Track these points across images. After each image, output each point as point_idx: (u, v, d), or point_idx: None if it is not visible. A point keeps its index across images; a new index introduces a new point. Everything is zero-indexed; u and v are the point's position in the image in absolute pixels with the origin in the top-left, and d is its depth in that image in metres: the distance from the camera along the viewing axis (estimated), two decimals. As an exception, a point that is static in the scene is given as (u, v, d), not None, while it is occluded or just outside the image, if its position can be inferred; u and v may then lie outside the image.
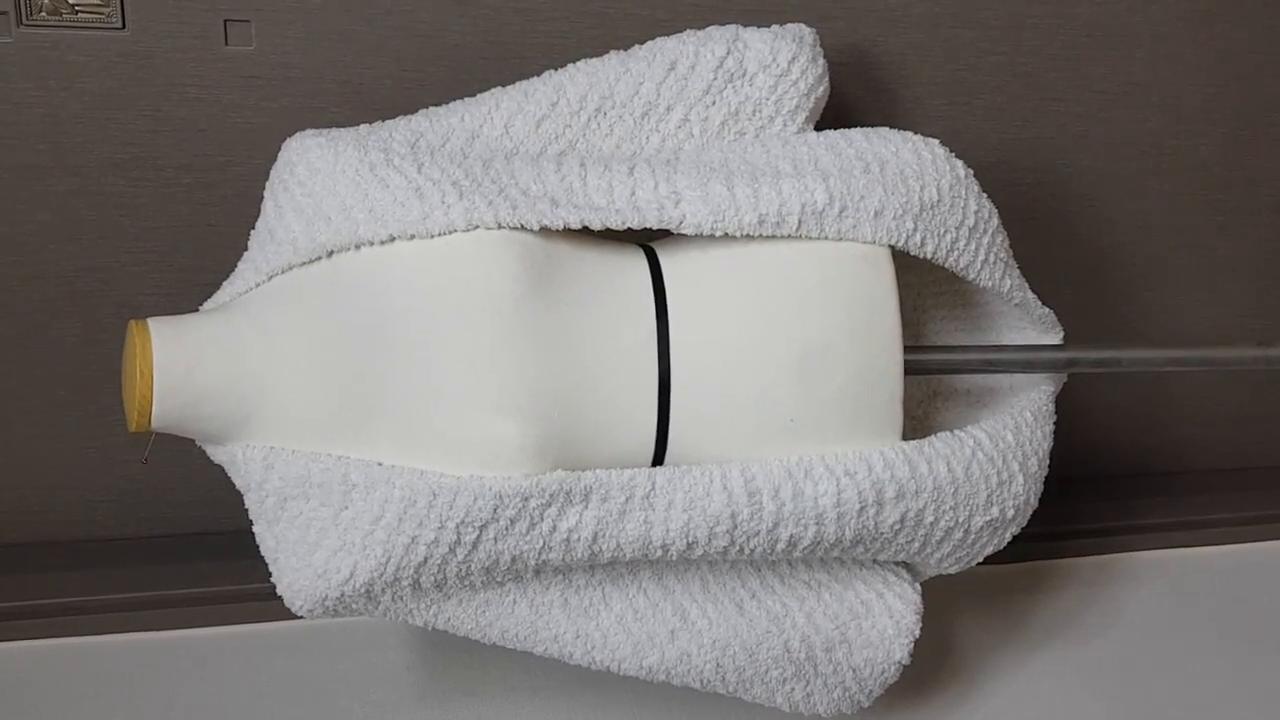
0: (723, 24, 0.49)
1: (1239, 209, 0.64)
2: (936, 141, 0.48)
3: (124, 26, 0.49)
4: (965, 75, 0.58)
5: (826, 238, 0.45)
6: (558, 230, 0.44)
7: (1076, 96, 0.60)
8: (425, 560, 0.43)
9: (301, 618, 0.45)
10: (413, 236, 0.43)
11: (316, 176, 0.44)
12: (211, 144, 0.52)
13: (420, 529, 0.42)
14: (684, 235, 0.45)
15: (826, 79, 0.49)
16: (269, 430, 0.44)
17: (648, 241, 0.47)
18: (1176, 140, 0.62)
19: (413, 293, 0.43)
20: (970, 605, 0.60)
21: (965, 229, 0.47)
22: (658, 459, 0.45)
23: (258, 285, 0.44)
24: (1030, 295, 0.51)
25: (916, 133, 0.48)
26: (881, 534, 0.46)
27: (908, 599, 0.49)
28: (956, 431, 0.47)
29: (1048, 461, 0.50)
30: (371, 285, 0.43)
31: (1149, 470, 0.69)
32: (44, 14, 0.49)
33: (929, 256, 0.46)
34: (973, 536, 0.48)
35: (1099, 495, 0.66)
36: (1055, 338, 0.52)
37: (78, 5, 0.49)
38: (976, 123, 0.59)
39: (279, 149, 0.45)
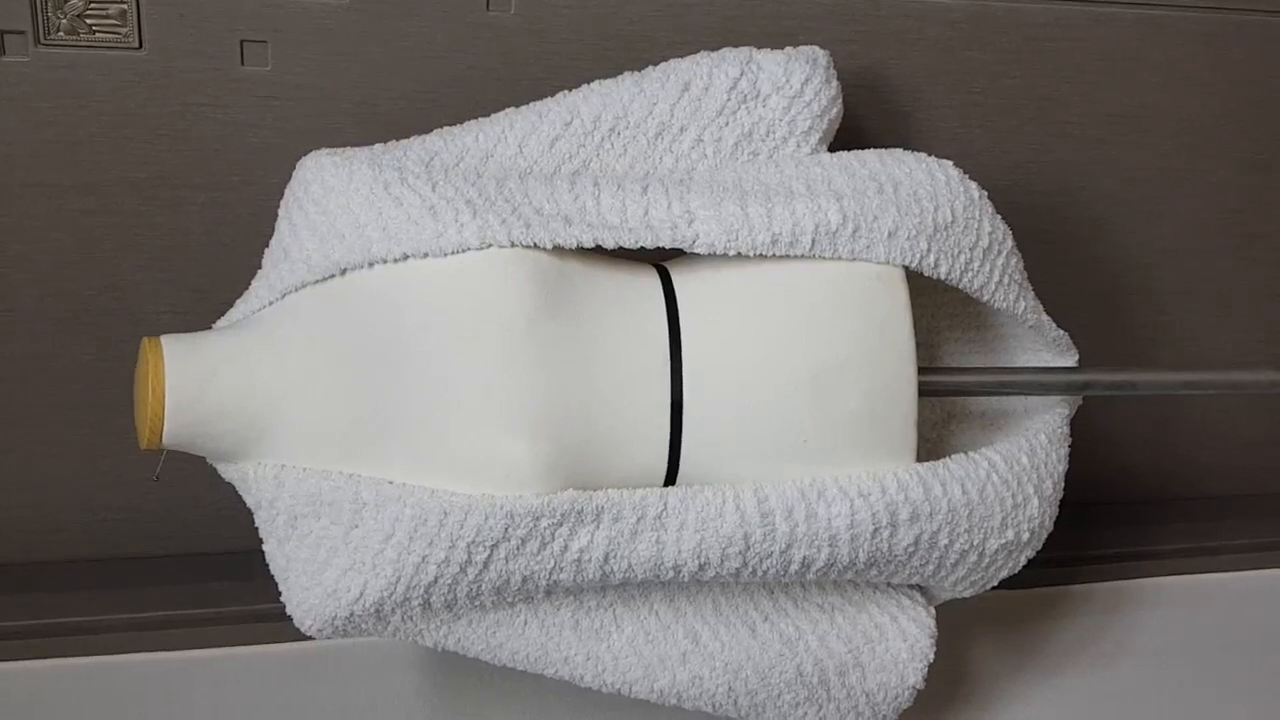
0: (736, 46, 0.49)
1: (1255, 232, 0.64)
2: (950, 163, 0.48)
3: (141, 46, 0.50)
4: (979, 98, 0.58)
5: (840, 258, 0.45)
6: (571, 249, 0.44)
7: (1090, 120, 0.60)
8: (435, 580, 0.43)
9: (311, 638, 0.45)
10: (426, 255, 0.43)
11: (331, 195, 0.44)
12: (227, 163, 0.52)
13: (431, 548, 0.42)
14: (697, 255, 0.45)
15: (840, 101, 0.49)
16: (280, 448, 0.43)
17: (661, 261, 0.47)
18: (1192, 164, 0.62)
19: (425, 310, 0.43)
20: (984, 630, 0.59)
21: (979, 250, 0.47)
22: (670, 479, 0.45)
23: (271, 303, 0.44)
24: (1045, 317, 0.50)
25: (930, 154, 0.48)
26: (895, 556, 0.45)
27: (921, 623, 0.49)
28: (971, 454, 0.47)
29: (1063, 484, 0.50)
30: (384, 303, 0.43)
31: (1164, 495, 0.68)
32: (61, 34, 0.49)
33: (943, 277, 0.46)
34: (987, 560, 0.47)
35: (1114, 520, 0.66)
36: (1070, 360, 0.52)
37: (95, 25, 0.49)
38: (990, 145, 0.59)
39: (294, 168, 0.46)
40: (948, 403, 0.54)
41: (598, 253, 0.45)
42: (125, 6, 0.49)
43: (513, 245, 0.43)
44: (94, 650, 0.54)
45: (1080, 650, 0.59)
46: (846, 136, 0.51)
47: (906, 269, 0.46)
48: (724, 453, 0.44)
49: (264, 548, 0.45)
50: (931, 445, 0.53)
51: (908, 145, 0.55)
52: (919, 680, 0.48)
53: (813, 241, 0.44)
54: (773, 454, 0.44)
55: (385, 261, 0.43)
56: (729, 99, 0.48)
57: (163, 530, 0.57)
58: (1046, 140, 0.59)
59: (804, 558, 0.44)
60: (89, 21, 0.49)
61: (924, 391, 0.46)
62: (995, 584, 0.49)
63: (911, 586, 0.50)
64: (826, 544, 0.44)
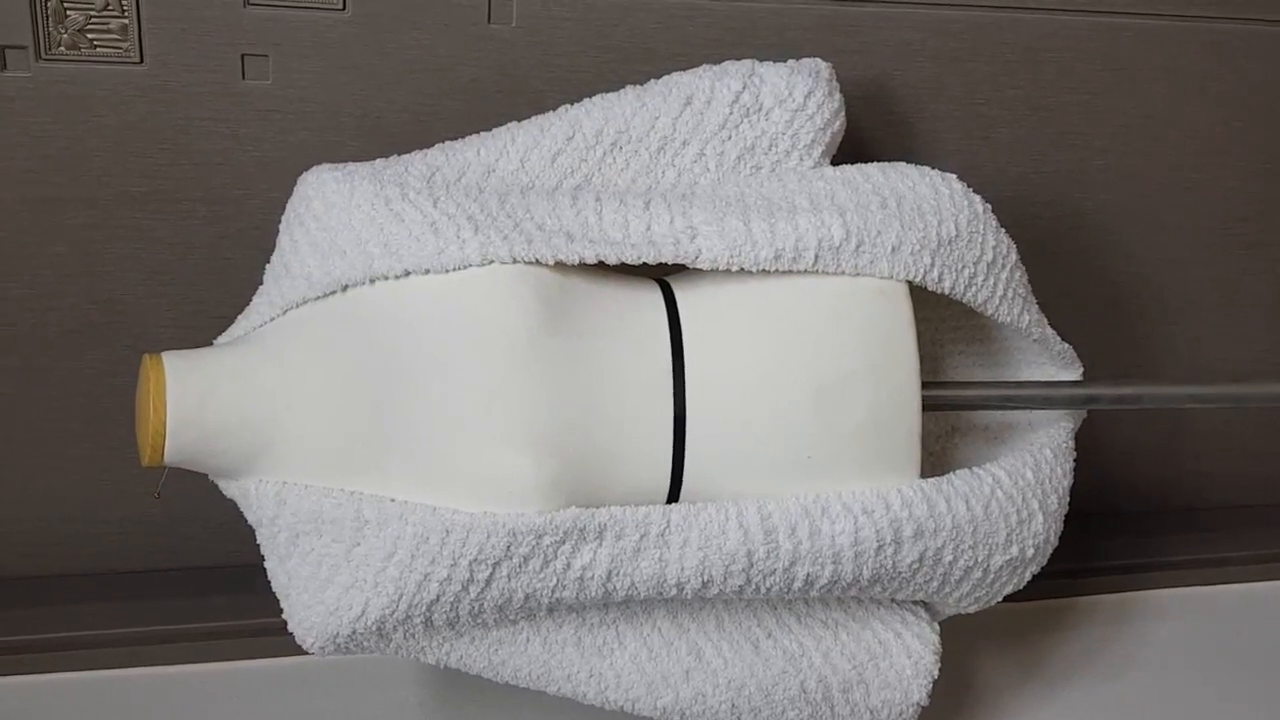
0: (738, 59, 0.49)
1: (1260, 242, 0.64)
2: (954, 176, 0.48)
3: (142, 61, 0.50)
4: (982, 109, 0.58)
5: (843, 273, 0.44)
6: (573, 265, 0.43)
7: (1095, 130, 0.59)
8: (438, 598, 0.42)
9: (313, 655, 0.45)
10: (427, 271, 0.42)
11: (332, 211, 0.44)
12: (228, 178, 0.52)
13: (433, 566, 0.42)
14: (700, 270, 0.45)
15: (842, 113, 0.49)
16: (282, 465, 0.43)
17: (663, 276, 0.47)
18: (1197, 173, 0.61)
19: (427, 327, 0.42)
20: (989, 645, 0.59)
21: (983, 264, 0.47)
22: (673, 495, 0.45)
23: (272, 319, 0.44)
24: (1049, 331, 0.50)
25: (933, 167, 0.48)
26: (899, 573, 0.45)
27: (926, 639, 0.48)
28: (975, 469, 0.47)
29: (1068, 499, 0.50)
30: (386, 320, 0.43)
31: (1170, 507, 0.68)
32: (63, 49, 0.49)
33: (947, 292, 0.46)
34: (992, 575, 0.47)
35: (1119, 532, 0.66)
36: (1075, 374, 0.51)
37: (96, 40, 0.49)
38: (994, 157, 0.59)
39: (295, 182, 0.45)
40: (951, 416, 0.54)
41: (600, 268, 0.45)
42: (126, 21, 0.49)
43: (515, 261, 0.42)
44: (95, 664, 0.54)
45: (1086, 662, 0.59)
46: (849, 149, 0.51)
47: (910, 283, 0.45)
48: (727, 468, 0.44)
49: (266, 565, 0.45)
50: (935, 459, 0.53)
51: (911, 157, 0.55)
52: (923, 697, 0.48)
53: (816, 257, 0.44)
54: (776, 469, 0.44)
55: (387, 278, 0.43)
56: (731, 112, 0.47)
57: (164, 544, 0.57)
58: (1050, 151, 0.59)
59: (808, 575, 0.44)
60: (90, 36, 0.49)
61: (928, 406, 0.46)
62: (1000, 599, 0.49)
63: (916, 602, 0.49)
64: (830, 561, 0.44)
